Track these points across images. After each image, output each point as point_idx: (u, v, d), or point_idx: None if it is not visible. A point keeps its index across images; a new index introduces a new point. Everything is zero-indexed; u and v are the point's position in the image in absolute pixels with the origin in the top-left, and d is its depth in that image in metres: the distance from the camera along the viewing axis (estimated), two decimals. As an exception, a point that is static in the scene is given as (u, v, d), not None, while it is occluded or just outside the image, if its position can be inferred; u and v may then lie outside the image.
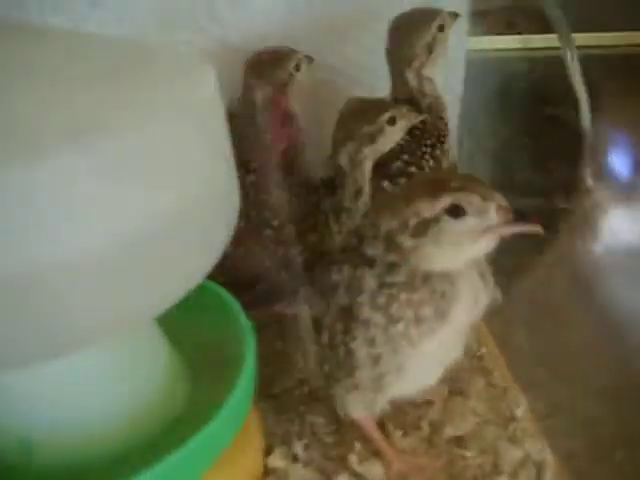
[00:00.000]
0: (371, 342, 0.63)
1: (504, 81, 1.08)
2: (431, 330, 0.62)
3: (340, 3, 0.94)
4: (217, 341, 0.72)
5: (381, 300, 0.62)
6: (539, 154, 1.12)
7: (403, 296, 0.61)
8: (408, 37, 0.84)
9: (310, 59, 0.89)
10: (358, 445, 0.74)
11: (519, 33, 1.13)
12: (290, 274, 0.78)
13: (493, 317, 0.88)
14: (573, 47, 1.04)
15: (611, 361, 0.85)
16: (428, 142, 0.84)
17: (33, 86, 0.51)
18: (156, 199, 0.49)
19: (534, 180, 1.13)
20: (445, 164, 0.85)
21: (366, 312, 0.62)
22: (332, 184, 0.80)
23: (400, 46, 0.84)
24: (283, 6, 0.93)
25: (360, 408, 0.71)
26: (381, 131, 0.77)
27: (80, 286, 0.47)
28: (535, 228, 0.59)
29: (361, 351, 0.64)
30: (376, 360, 0.64)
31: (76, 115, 0.47)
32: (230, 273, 0.75)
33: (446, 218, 0.58)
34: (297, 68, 0.87)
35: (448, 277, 0.61)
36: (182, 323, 0.68)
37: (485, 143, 1.06)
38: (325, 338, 0.67)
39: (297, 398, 0.81)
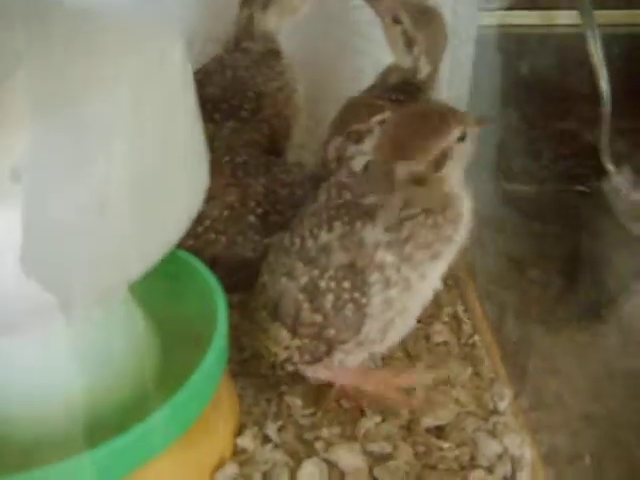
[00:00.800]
0: (386, 285, 0.65)
1: (520, 59, 1.04)
2: (441, 252, 0.67)
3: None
4: (190, 309, 0.72)
5: (400, 235, 0.64)
6: (557, 137, 1.08)
7: (430, 220, 0.65)
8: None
9: None
10: (326, 431, 0.73)
11: (539, 8, 1.08)
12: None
13: (491, 301, 0.87)
14: (594, 25, 0.99)
15: (607, 359, 0.82)
16: None
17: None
18: (121, 164, 0.50)
19: (551, 164, 1.09)
20: None
21: (379, 256, 0.65)
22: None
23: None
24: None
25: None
26: (370, 131, 0.74)
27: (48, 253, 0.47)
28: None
29: (376, 298, 0.66)
30: (389, 304, 0.66)
31: (44, 87, 0.48)
32: (213, 259, 0.75)
33: (457, 144, 0.66)
34: None
35: (459, 198, 0.67)
36: (154, 292, 0.68)
37: (497, 126, 1.02)
38: (327, 302, 0.67)
39: (279, 378, 0.80)
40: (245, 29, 0.87)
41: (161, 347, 0.71)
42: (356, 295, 0.66)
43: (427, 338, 0.85)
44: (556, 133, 1.09)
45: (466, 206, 0.68)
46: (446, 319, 0.88)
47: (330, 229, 0.66)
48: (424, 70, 0.84)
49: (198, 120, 0.60)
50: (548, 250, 0.97)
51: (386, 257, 0.65)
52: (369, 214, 0.65)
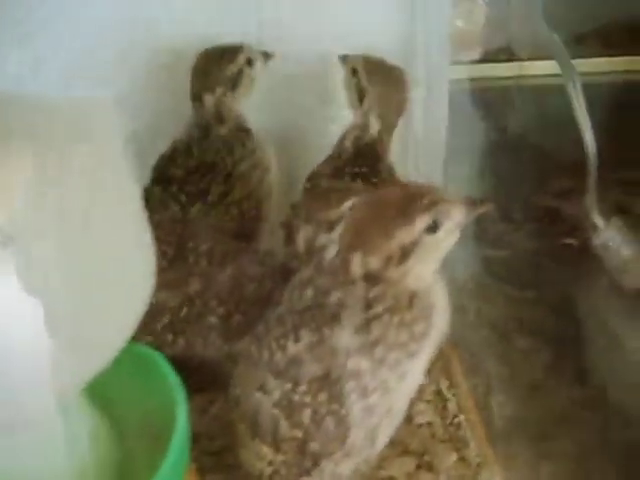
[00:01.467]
0: (364, 392, 0.59)
1: (499, 111, 1.00)
2: (417, 350, 0.60)
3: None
4: (148, 405, 0.66)
5: (369, 337, 0.58)
6: (540, 187, 1.04)
7: (395, 319, 0.58)
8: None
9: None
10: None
11: (512, 60, 1.04)
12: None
13: (477, 377, 0.81)
14: (575, 74, 0.95)
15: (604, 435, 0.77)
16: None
17: None
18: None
19: (536, 215, 1.04)
20: None
21: (352, 363, 0.58)
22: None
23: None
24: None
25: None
26: (342, 219, 0.68)
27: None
28: (488, 206, 0.61)
29: (356, 407, 0.59)
30: (370, 410, 0.60)
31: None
32: (172, 359, 0.69)
33: (426, 236, 0.57)
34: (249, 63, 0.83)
35: (429, 291, 0.60)
36: (112, 388, 0.63)
37: (479, 176, 0.98)
38: (305, 417, 0.61)
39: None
40: (215, 115, 0.83)
41: (119, 447, 0.65)
42: (334, 407, 0.59)
43: (409, 420, 0.79)
44: (536, 190, 1.04)
45: (439, 295, 0.61)
46: (429, 397, 0.82)
47: (297, 339, 0.60)
48: (374, 126, 0.80)
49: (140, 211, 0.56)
50: (535, 315, 0.92)
51: (360, 363, 0.58)
52: (335, 316, 0.59)
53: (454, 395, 0.82)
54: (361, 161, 0.79)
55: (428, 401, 0.82)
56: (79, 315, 0.49)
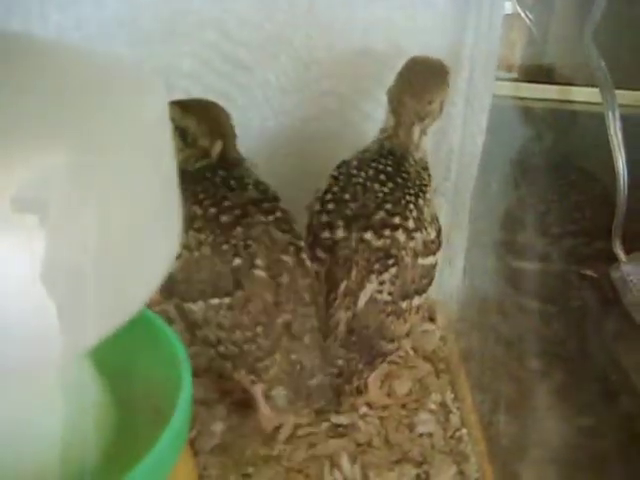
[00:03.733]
0: None
1: (533, 133, 0.99)
2: None
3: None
4: (154, 380, 0.65)
5: None
6: (565, 217, 1.03)
7: None
8: (428, 92, 0.77)
9: None
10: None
11: (557, 83, 1.04)
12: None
13: (484, 394, 0.81)
14: (615, 104, 0.94)
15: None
16: (411, 191, 0.76)
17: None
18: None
19: (559, 244, 1.03)
20: (428, 215, 0.77)
21: None
22: None
23: (418, 100, 0.77)
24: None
25: None
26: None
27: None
28: None
29: None
30: None
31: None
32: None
33: None
34: None
35: None
36: (114, 352, 0.62)
37: (505, 201, 0.97)
38: None
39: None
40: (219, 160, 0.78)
41: (117, 414, 0.65)
42: None
43: (411, 427, 0.79)
44: (566, 211, 1.03)
45: None
46: (433, 407, 0.82)
47: None
48: (389, 120, 0.79)
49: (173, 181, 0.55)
50: (549, 336, 0.91)
51: None
52: None
53: (458, 408, 0.82)
54: (384, 160, 0.77)
55: (431, 411, 0.81)
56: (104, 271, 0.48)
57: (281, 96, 0.88)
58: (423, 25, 0.83)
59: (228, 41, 0.85)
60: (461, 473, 0.74)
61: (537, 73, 1.08)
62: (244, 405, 0.78)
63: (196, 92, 0.84)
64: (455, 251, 0.92)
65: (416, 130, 0.77)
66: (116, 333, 0.52)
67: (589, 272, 1.04)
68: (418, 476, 0.73)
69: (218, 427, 0.78)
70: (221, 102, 0.78)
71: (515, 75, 1.12)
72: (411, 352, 0.90)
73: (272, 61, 0.86)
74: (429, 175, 0.79)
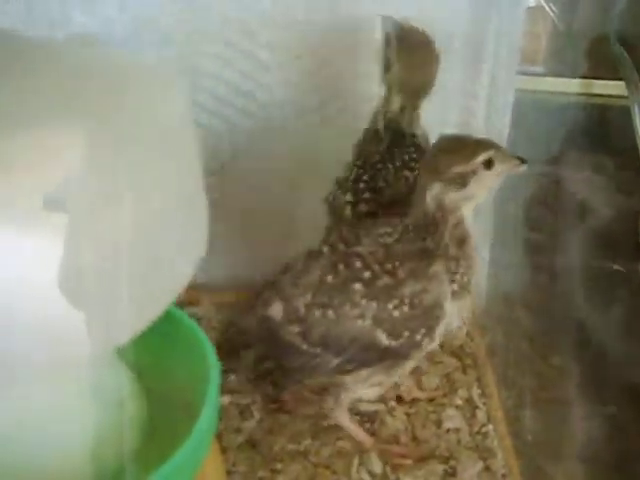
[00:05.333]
0: None
1: (557, 128, 0.98)
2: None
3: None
4: (182, 377, 0.66)
5: None
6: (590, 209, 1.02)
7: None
8: (429, 71, 0.75)
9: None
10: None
11: (582, 77, 1.03)
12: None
13: (510, 389, 0.81)
14: (641, 97, 0.94)
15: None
16: None
17: None
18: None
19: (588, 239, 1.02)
20: None
21: None
22: None
23: (422, 79, 0.76)
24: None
25: None
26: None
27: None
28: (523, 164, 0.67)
29: None
30: None
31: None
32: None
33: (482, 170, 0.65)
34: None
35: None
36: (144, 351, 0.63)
37: (527, 193, 0.96)
38: None
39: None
40: None
41: (148, 413, 0.66)
42: None
43: (438, 424, 0.79)
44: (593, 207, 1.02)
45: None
46: (460, 402, 0.82)
47: None
48: (394, 103, 0.77)
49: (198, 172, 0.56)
50: (575, 333, 0.91)
51: None
52: None
53: (484, 404, 0.82)
54: (388, 139, 0.77)
55: (458, 407, 0.81)
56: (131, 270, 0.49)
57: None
58: (444, 18, 0.82)
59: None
60: (487, 469, 0.74)
61: (560, 67, 1.07)
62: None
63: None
64: (480, 245, 0.92)
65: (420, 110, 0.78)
66: (145, 331, 0.54)
67: (618, 267, 1.03)
68: (445, 472, 0.73)
69: (247, 424, 0.78)
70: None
71: (540, 69, 1.11)
72: (438, 348, 0.90)
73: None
74: None
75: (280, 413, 0.79)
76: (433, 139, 0.72)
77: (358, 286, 0.66)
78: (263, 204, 0.91)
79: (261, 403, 0.80)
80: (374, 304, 0.66)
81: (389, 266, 0.67)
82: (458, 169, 0.65)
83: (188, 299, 0.88)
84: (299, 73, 0.87)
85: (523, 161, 0.67)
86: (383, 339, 0.66)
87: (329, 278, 0.67)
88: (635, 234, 1.01)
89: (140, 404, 0.65)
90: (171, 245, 0.54)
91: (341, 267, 0.67)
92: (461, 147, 0.67)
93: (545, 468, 0.75)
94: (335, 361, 0.67)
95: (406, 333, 0.66)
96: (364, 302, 0.66)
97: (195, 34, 0.85)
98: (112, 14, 0.84)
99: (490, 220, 0.91)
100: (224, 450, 0.74)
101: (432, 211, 0.67)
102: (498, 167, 0.66)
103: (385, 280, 0.66)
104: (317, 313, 0.66)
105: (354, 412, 0.78)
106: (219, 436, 0.75)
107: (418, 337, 0.67)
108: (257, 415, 0.79)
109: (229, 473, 0.72)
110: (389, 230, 0.69)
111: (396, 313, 0.66)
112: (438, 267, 0.67)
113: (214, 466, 0.69)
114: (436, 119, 0.80)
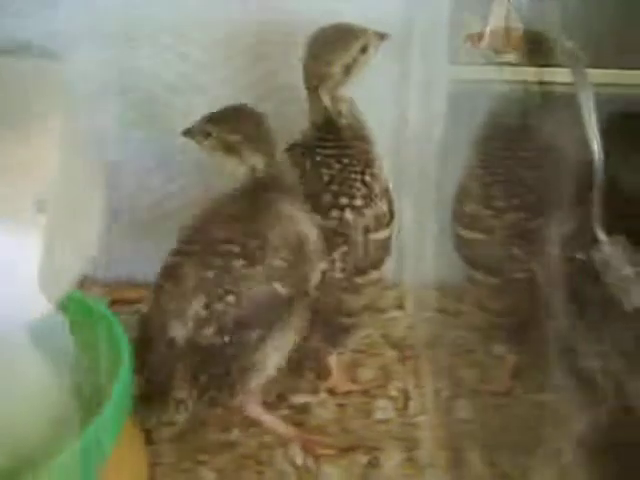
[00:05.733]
0: None
1: (500, 117, 0.97)
2: None
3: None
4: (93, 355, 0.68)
5: None
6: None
7: None
8: (325, 54, 0.77)
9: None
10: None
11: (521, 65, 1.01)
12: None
13: (444, 380, 0.81)
14: (588, 84, 0.92)
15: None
16: (357, 169, 0.77)
17: None
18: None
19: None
20: (377, 189, 0.77)
21: None
22: None
23: (316, 63, 0.77)
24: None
25: None
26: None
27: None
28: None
29: None
30: None
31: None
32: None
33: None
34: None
35: None
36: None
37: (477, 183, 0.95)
38: None
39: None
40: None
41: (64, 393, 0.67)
42: None
43: (368, 414, 0.79)
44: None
45: None
46: (394, 394, 0.82)
47: None
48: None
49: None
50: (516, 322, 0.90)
51: None
52: None
53: (419, 395, 0.82)
54: (323, 141, 0.79)
55: (391, 398, 0.82)
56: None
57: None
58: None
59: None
60: (410, 459, 0.74)
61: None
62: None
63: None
64: (423, 238, 0.92)
65: (323, 93, 0.77)
66: (57, 319, 0.56)
67: (579, 256, 1.01)
68: (369, 462, 0.74)
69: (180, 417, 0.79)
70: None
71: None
72: (379, 339, 0.90)
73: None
74: (372, 146, 0.80)
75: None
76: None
77: (236, 262, 0.68)
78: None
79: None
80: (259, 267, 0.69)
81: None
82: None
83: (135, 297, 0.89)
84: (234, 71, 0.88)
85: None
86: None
87: (209, 274, 0.69)
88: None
89: (55, 386, 0.66)
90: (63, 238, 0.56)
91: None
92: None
93: (473, 460, 0.75)
94: (254, 334, 0.68)
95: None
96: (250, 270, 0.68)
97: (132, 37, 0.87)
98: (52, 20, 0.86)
99: (432, 214, 0.91)
100: (153, 443, 0.75)
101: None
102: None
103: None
104: (219, 306, 0.67)
105: (286, 405, 0.79)
106: (149, 430, 0.76)
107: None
108: (192, 408, 0.80)
109: (155, 465, 0.73)
110: None
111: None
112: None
113: (134, 459, 0.70)
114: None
